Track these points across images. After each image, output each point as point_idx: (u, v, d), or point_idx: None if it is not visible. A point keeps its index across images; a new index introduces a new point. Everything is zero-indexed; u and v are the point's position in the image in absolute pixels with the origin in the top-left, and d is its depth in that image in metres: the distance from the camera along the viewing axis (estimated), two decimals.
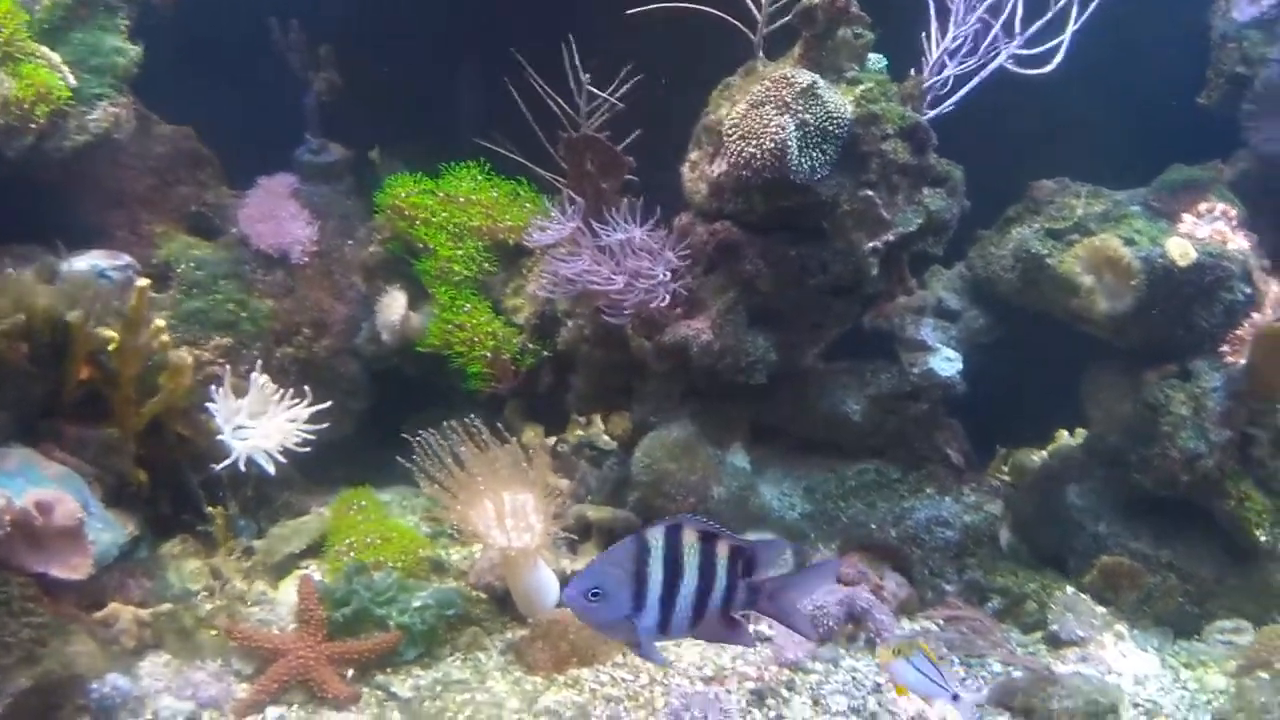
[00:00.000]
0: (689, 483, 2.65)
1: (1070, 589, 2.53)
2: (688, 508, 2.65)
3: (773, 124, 2.34)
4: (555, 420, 2.90)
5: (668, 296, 2.53)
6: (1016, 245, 2.58)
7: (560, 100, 2.64)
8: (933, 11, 2.43)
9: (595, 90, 2.63)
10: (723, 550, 1.41)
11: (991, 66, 2.34)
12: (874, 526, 2.68)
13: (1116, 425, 2.53)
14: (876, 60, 2.53)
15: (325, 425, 2.62)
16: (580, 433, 2.84)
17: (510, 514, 2.38)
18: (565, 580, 2.67)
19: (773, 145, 2.34)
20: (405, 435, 2.42)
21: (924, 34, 2.48)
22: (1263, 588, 2.45)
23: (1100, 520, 2.67)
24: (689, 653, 2.41)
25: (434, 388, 3.02)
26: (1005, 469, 3.18)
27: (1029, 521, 2.89)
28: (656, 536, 1.39)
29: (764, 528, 2.73)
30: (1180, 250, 2.23)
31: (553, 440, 2.85)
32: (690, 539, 1.40)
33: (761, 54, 2.52)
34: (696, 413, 2.72)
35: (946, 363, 2.61)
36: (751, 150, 2.38)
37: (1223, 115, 2.77)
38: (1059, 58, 2.36)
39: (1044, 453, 3.06)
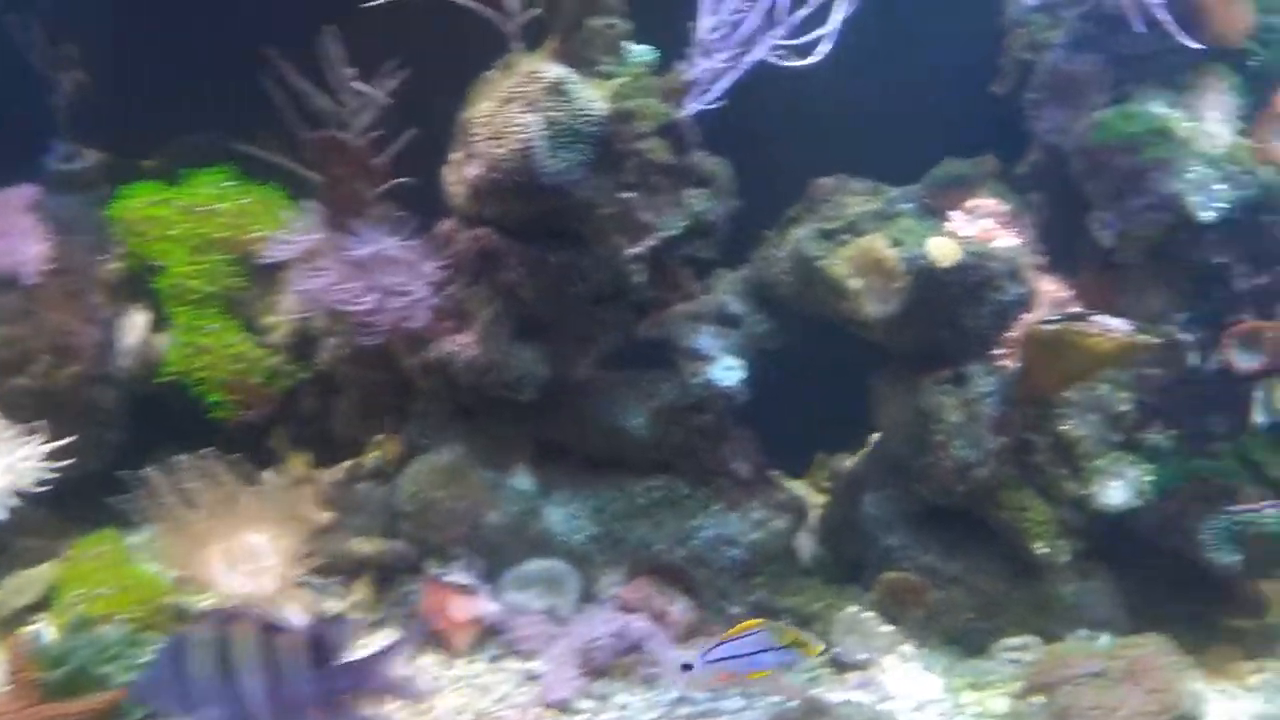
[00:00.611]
0: (458, 510, 2.46)
1: (855, 608, 2.44)
2: (458, 537, 2.48)
3: (519, 123, 2.17)
4: (330, 447, 2.71)
5: (427, 313, 2.35)
6: (793, 247, 2.45)
7: (329, 96, 2.44)
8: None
9: (362, 86, 2.43)
10: (287, 642, 1.25)
11: (751, 58, 2.22)
12: (661, 547, 2.54)
13: (898, 432, 2.43)
14: (644, 52, 2.38)
15: (71, 461, 2.40)
16: (360, 459, 2.66)
17: (247, 556, 2.19)
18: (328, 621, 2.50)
19: (519, 145, 2.16)
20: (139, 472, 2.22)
21: (690, 23, 2.35)
22: (1050, 601, 2.36)
23: (892, 532, 2.56)
24: (451, 698, 2.25)
25: (199, 416, 2.79)
26: (827, 476, 3.11)
27: (834, 533, 2.80)
28: (199, 635, 1.23)
29: (548, 553, 2.57)
30: (942, 250, 2.13)
31: (328, 468, 2.67)
32: (244, 633, 1.24)
33: (521, 46, 2.36)
34: (470, 433, 2.53)
35: (727, 371, 2.48)
36: (499, 151, 2.20)
37: (1017, 104, 2.69)
38: (825, 48, 2.25)
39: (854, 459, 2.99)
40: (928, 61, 2.77)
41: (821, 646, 1.90)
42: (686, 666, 1.82)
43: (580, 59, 2.25)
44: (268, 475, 2.38)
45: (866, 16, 2.46)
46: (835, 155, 2.75)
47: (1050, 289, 2.28)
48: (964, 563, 2.46)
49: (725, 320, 2.53)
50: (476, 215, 2.35)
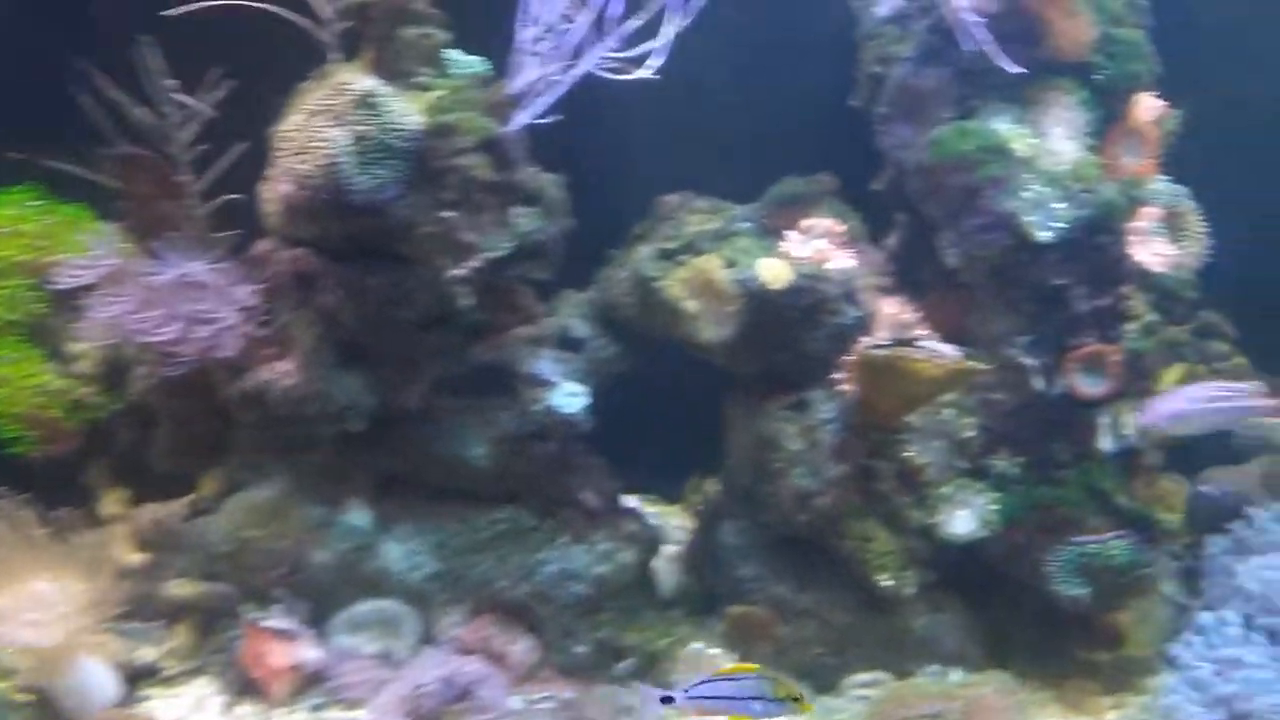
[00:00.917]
0: (278, 551, 2.31)
1: (699, 644, 2.33)
2: (278, 579, 2.33)
3: (324, 138, 2.04)
4: (152, 482, 2.54)
5: (238, 341, 2.20)
6: (633, 267, 2.35)
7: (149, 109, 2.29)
8: (522, 8, 2.19)
9: (183, 98, 2.28)
10: None
11: (579, 70, 2.11)
12: (504, 584, 2.42)
13: (744, 459, 2.33)
14: (473, 64, 2.26)
15: None
16: (191, 495, 2.50)
17: (33, 604, 2.02)
18: (136, 673, 2.34)
19: (325, 162, 2.02)
20: None
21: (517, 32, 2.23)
22: (901, 635, 2.28)
23: (747, 561, 2.46)
24: None
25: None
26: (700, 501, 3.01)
27: (697, 562, 2.69)
28: None
29: (385, 593, 2.42)
30: (772, 272, 2.04)
31: (149, 504, 2.50)
32: None
33: (339, 56, 2.23)
34: (295, 467, 2.38)
35: (569, 398, 2.36)
36: (304, 168, 2.06)
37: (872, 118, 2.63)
38: (656, 61, 2.14)
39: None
40: (790, 74, 2.71)
41: (813, 706, 1.81)
42: (667, 699, 1.70)
43: (395, 71, 2.12)
44: (66, 515, 2.21)
45: (729, 28, 2.40)
46: (693, 171, 2.64)
47: (894, 311, 2.19)
48: (815, 595, 2.36)
49: (567, 344, 2.41)
50: (292, 235, 2.21)
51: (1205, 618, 2.07)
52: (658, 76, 2.19)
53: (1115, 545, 2.11)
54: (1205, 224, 2.32)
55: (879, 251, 2.30)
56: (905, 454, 2.21)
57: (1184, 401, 2.09)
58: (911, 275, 2.40)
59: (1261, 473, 2.60)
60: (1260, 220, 2.60)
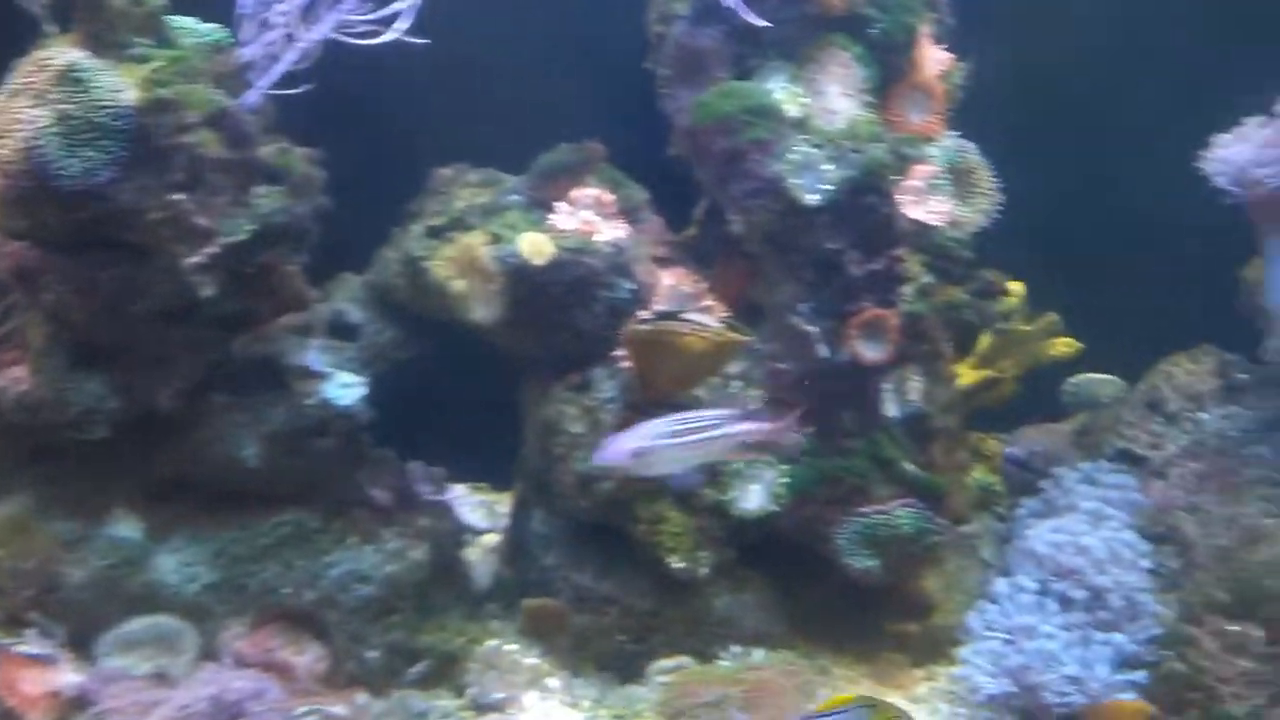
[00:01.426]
0: (23, 571, 2.13)
1: (495, 641, 2.22)
2: (23, 603, 2.16)
3: (24, 118, 1.84)
4: None
5: None
6: (403, 246, 2.21)
7: None
8: None
9: None
10: None
11: (314, 35, 1.94)
12: (289, 590, 2.27)
13: (534, 444, 2.23)
14: (206, 32, 2.08)
15: None
16: None
17: None
18: None
19: (24, 145, 1.82)
20: None
21: None
22: (701, 617, 2.20)
23: (551, 549, 2.37)
24: None
25: None
26: None
27: (511, 553, 2.59)
28: None
29: (154, 609, 2.27)
30: (534, 247, 1.93)
31: None
32: None
33: (53, 29, 2.02)
34: (44, 479, 2.18)
35: (344, 389, 2.20)
36: (5, 153, 1.87)
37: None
38: (404, 24, 1.98)
39: None
40: (585, 33, 2.55)
41: None
42: None
43: (109, 42, 1.92)
44: None
45: None
46: (484, 141, 2.49)
47: (674, 283, 2.10)
48: (617, 581, 2.26)
49: (342, 331, 2.26)
50: (8, 228, 2.01)
51: (1000, 585, 2.04)
52: (423, 41, 2.06)
53: (901, 514, 2.06)
54: (996, 180, 2.30)
55: (658, 219, 2.20)
56: None
57: (645, 438, 1.78)
58: (707, 244, 2.32)
59: (1072, 430, 2.61)
60: (1056, 175, 2.64)
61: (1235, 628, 1.76)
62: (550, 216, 2.06)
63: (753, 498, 2.13)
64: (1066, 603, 1.95)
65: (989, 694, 1.92)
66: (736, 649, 2.17)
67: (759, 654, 2.17)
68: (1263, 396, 2.21)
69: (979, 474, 2.66)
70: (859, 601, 2.30)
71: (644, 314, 1.95)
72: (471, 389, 2.60)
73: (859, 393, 2.14)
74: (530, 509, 2.47)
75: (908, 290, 2.08)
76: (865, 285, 2.06)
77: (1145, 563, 1.98)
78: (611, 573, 2.30)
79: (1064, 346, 2.64)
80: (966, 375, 2.80)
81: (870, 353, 2.09)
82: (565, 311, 2.06)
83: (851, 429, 2.13)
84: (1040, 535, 2.01)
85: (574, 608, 2.24)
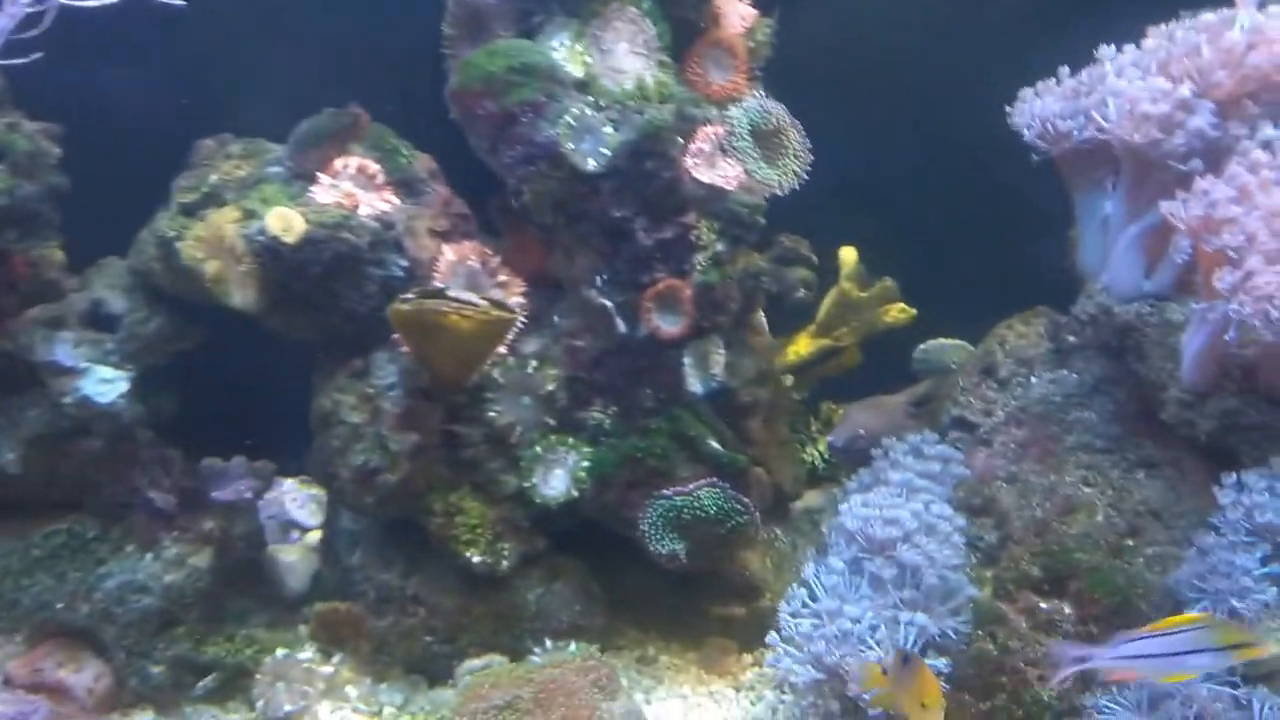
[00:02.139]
0: None
1: (284, 650, 2.05)
2: None
3: None
4: None
5: None
6: (156, 225, 2.02)
7: None
8: None
9: None
10: None
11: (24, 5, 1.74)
12: (61, 605, 2.09)
13: (317, 437, 2.05)
14: None
15: None
16: None
17: None
18: None
19: None
20: None
21: None
22: (512, 613, 2.06)
23: (358, 547, 2.21)
24: None
25: None
26: None
27: (324, 551, 2.43)
28: None
29: None
30: (283, 223, 1.76)
31: None
32: None
33: None
34: None
35: (104, 385, 2.03)
36: None
37: None
38: None
39: None
40: None
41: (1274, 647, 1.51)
42: (1080, 659, 1.45)
43: None
44: None
45: None
46: (268, 111, 2.30)
47: (458, 258, 1.95)
48: (423, 579, 2.11)
49: (100, 322, 2.07)
50: None
51: (811, 565, 1.89)
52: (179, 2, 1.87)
53: (705, 495, 1.93)
54: (815, 142, 2.17)
55: (444, 190, 2.03)
56: (491, 414, 1.99)
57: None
58: (500, 216, 2.16)
59: (907, 399, 2.52)
60: (889, 137, 2.53)
61: (1045, 605, 1.67)
62: (316, 188, 1.89)
63: (555, 483, 1.99)
64: (877, 582, 1.84)
65: (798, 682, 1.81)
66: (549, 644, 2.05)
67: (573, 648, 2.04)
68: (1088, 359, 2.12)
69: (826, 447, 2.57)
70: (683, 585, 2.18)
71: (408, 293, 1.79)
72: (296, 377, 2.44)
73: (659, 369, 2.00)
74: (339, 504, 2.32)
75: (700, 259, 1.94)
76: (657, 254, 1.93)
77: (959, 537, 1.88)
78: (417, 570, 2.14)
79: (899, 313, 2.55)
80: (804, 345, 2.71)
81: (666, 326, 1.95)
82: (330, 293, 1.90)
83: (653, 407, 2.00)
84: (851, 510, 1.89)
85: (378, 609, 2.10)
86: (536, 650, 2.02)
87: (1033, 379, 2.23)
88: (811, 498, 2.53)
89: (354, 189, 1.84)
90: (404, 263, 1.90)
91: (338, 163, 1.89)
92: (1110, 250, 2.05)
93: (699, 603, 2.20)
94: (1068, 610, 1.68)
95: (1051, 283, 2.32)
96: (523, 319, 1.98)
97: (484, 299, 1.75)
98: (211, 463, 2.29)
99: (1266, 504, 1.60)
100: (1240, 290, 1.62)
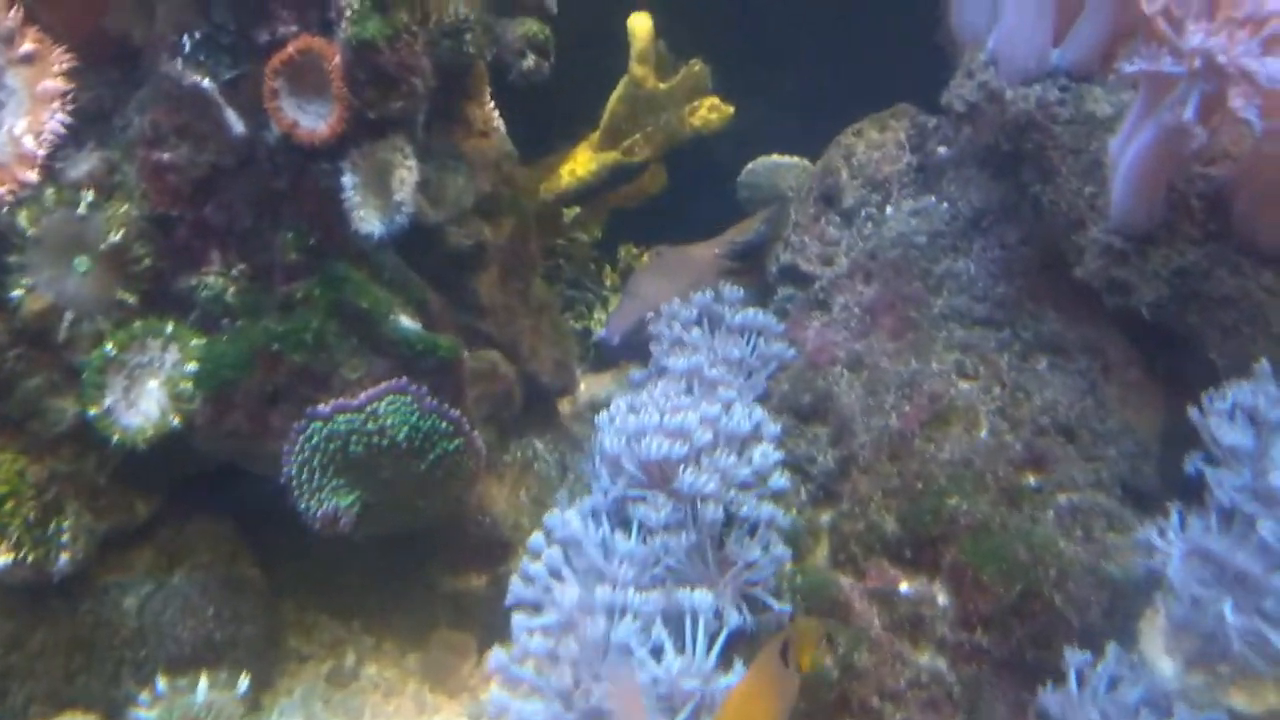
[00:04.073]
0: None
1: None
2: None
3: None
4: None
5: None
6: None
7: None
8: None
9: None
10: None
11: None
12: None
13: None
14: None
15: None
16: None
17: None
18: None
19: None
20: None
21: None
22: (91, 638, 1.28)
23: None
24: None
25: None
26: None
27: None
28: None
29: None
30: None
31: None
32: None
33: None
34: None
35: None
36: None
37: None
38: None
39: None
40: None
41: None
42: None
43: None
44: None
45: None
46: None
47: None
48: None
49: None
50: None
51: (553, 518, 1.20)
52: None
53: (386, 409, 1.17)
54: None
55: None
56: (14, 293, 1.17)
57: None
58: None
59: (720, 250, 1.83)
60: None
61: (908, 587, 1.06)
62: None
63: (144, 405, 1.20)
64: (649, 535, 1.17)
65: None
66: (162, 686, 1.25)
67: (202, 686, 1.26)
68: (965, 179, 1.49)
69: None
70: (396, 544, 1.41)
71: None
72: None
73: (304, 195, 1.20)
74: None
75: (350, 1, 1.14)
76: None
77: (776, 458, 1.25)
78: None
79: (711, 112, 1.82)
80: (584, 161, 1.97)
81: (307, 120, 1.14)
82: None
83: (299, 262, 1.21)
84: (614, 422, 1.25)
85: None
86: (142, 698, 1.26)
87: (888, 209, 1.59)
88: (600, 384, 1.86)
89: None
90: None
91: None
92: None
93: (422, 570, 1.46)
94: (941, 600, 1.07)
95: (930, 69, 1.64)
96: (63, 121, 1.15)
97: None
98: None
99: None
100: (1199, 38, 0.99)
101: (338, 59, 1.12)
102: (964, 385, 1.25)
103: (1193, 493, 1.00)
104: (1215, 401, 0.98)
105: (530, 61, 1.24)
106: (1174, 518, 0.94)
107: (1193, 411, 0.99)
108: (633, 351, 1.57)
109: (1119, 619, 1.00)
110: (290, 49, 1.11)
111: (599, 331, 1.61)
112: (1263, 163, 1.07)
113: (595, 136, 1.90)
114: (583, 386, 1.90)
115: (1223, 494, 0.95)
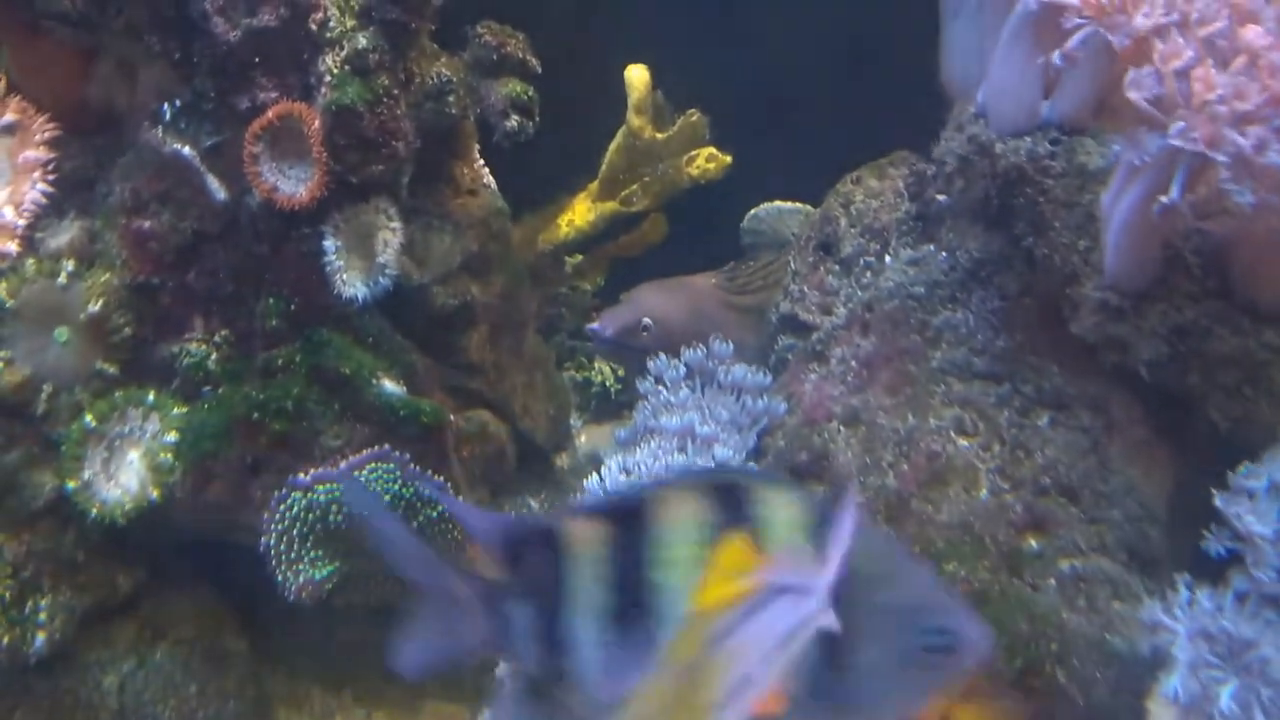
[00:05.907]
0: None
1: None
2: None
3: None
4: None
5: None
6: None
7: None
8: None
9: None
10: None
11: None
12: None
13: None
14: None
15: None
16: None
17: None
18: None
19: None
20: None
21: None
22: (78, 700, 1.21)
23: None
24: None
25: None
26: None
27: None
28: None
29: None
30: None
31: None
32: None
33: None
34: None
35: None
36: None
37: None
38: None
39: None
40: None
41: None
42: None
43: None
44: None
45: None
46: None
47: None
48: None
49: None
50: None
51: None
52: None
53: (370, 475, 1.13)
54: None
55: None
56: None
57: None
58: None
59: (719, 279, 1.81)
60: None
61: None
62: None
63: (124, 478, 1.17)
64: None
65: None
66: None
67: None
68: (962, 229, 1.47)
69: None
70: (385, 616, 1.41)
71: None
72: None
73: (286, 261, 1.20)
74: None
75: (330, 61, 1.12)
76: (254, 56, 1.10)
77: None
78: None
79: (709, 162, 1.80)
80: (582, 212, 1.96)
81: (287, 186, 1.14)
82: None
83: (279, 328, 1.19)
84: (606, 485, 1.21)
85: None
86: None
87: (886, 258, 1.57)
88: (601, 435, 1.82)
89: None
90: None
91: None
92: (988, 51, 1.35)
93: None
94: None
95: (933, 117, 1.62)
96: (45, 189, 1.14)
97: None
98: None
99: None
100: (1177, 106, 0.96)
101: (317, 123, 1.11)
102: (963, 443, 1.21)
103: (1200, 559, 0.96)
104: (1248, 479, 0.93)
105: (514, 122, 1.23)
106: (1182, 593, 0.90)
107: (1218, 498, 0.93)
108: (615, 351, 1.61)
109: (1126, 696, 0.96)
110: (270, 114, 1.10)
111: (592, 324, 1.60)
112: (1261, 220, 1.04)
113: (594, 187, 1.90)
114: (583, 438, 1.89)
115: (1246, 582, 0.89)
